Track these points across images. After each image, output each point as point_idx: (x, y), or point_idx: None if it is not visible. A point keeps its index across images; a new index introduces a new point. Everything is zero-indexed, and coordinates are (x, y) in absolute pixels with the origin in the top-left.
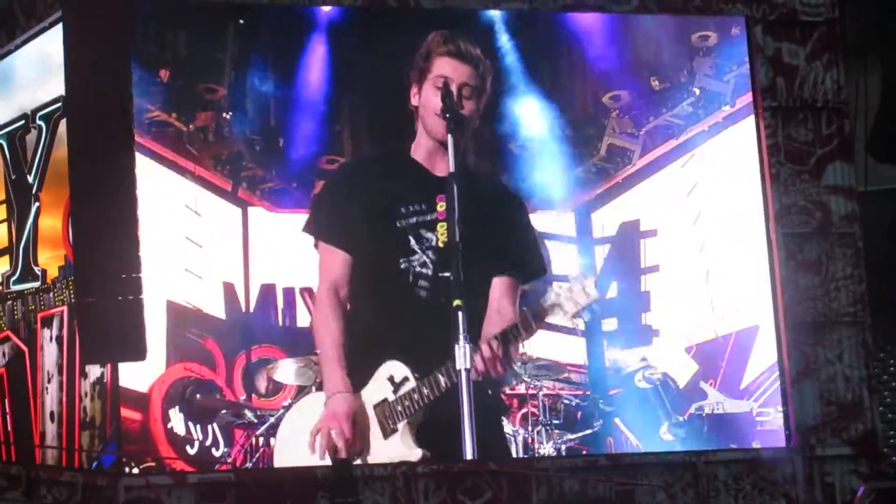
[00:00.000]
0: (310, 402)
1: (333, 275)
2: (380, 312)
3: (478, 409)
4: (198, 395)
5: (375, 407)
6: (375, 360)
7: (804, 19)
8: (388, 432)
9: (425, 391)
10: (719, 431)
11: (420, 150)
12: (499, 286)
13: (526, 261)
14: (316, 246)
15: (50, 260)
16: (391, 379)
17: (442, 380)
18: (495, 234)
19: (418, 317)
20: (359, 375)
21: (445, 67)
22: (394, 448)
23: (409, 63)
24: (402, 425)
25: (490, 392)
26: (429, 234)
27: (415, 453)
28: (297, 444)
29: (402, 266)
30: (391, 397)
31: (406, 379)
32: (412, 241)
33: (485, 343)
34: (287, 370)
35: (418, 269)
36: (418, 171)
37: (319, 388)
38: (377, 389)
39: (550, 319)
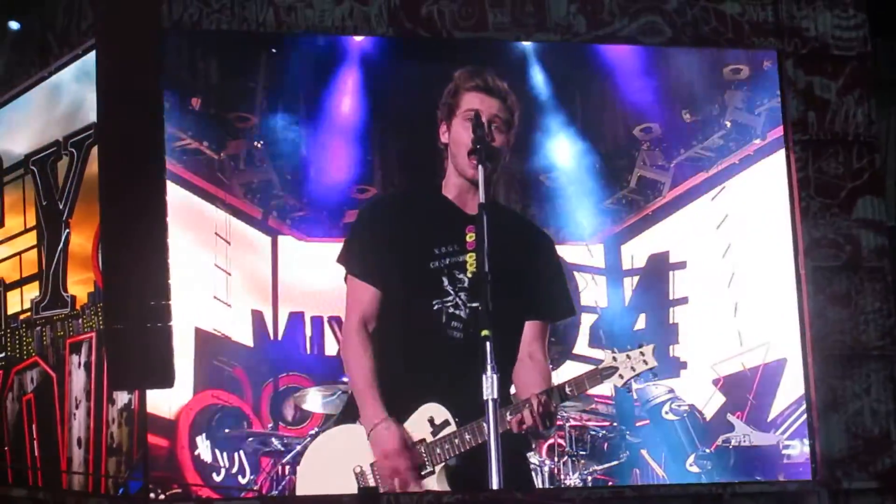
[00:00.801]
0: (338, 434)
1: (363, 310)
2: (413, 353)
3: (504, 442)
4: (226, 430)
5: (412, 445)
6: (411, 400)
7: (836, 53)
8: (423, 473)
9: (467, 437)
10: (746, 464)
11: (451, 187)
12: (530, 331)
13: (555, 301)
14: (346, 279)
15: (79, 286)
16: (431, 420)
17: (486, 427)
18: (525, 273)
19: (452, 358)
20: (394, 414)
21: (474, 101)
22: (428, 489)
23: (438, 101)
24: (439, 468)
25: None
26: (461, 276)
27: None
28: (322, 474)
29: (436, 307)
30: (430, 438)
31: (447, 422)
32: (445, 282)
33: (534, 398)
34: (314, 399)
35: (451, 310)
36: (449, 209)
37: (344, 419)
38: (415, 429)
39: (605, 383)
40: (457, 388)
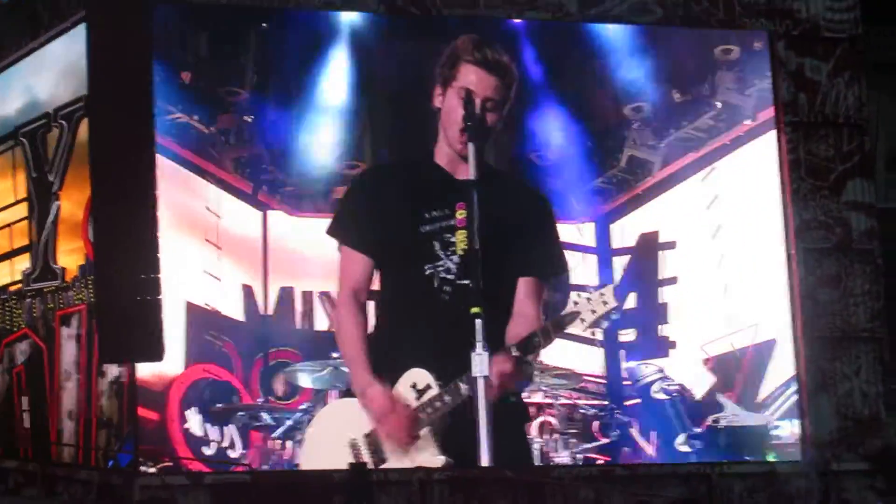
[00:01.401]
0: (341, 406)
1: (354, 278)
2: (405, 317)
3: (501, 416)
4: (221, 405)
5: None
6: (400, 364)
7: (827, 35)
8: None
9: (447, 399)
10: (735, 444)
11: (443, 154)
12: (522, 287)
13: (547, 258)
14: (339, 249)
15: (69, 256)
16: (414, 386)
17: (463, 387)
18: (518, 233)
19: (443, 321)
20: (385, 380)
21: (471, 78)
22: (417, 454)
23: (435, 62)
24: (424, 432)
25: (514, 399)
26: (453, 239)
27: (437, 460)
28: (325, 444)
29: (427, 272)
30: (413, 404)
31: (428, 386)
32: (436, 247)
33: (502, 353)
34: (304, 374)
35: (443, 274)
36: (441, 175)
37: (345, 393)
38: (401, 396)
39: (570, 329)
40: (443, 349)
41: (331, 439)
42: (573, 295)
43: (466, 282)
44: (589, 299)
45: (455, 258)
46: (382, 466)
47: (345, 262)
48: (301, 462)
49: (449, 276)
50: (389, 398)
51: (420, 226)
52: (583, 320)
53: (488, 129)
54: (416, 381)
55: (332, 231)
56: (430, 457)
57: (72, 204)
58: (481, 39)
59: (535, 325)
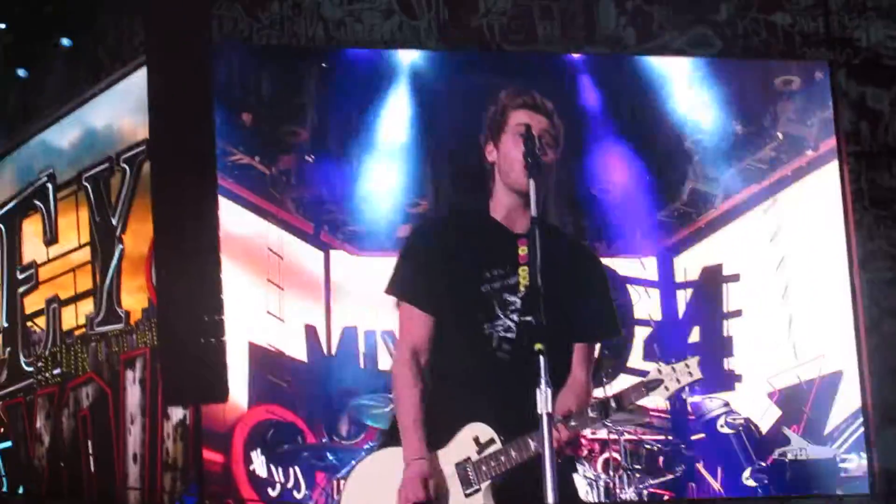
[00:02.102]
0: (383, 457)
1: (415, 337)
2: (463, 376)
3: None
4: (286, 446)
5: (457, 465)
6: (458, 421)
7: (888, 63)
8: (469, 491)
9: (513, 454)
10: (802, 478)
11: (499, 208)
12: (576, 353)
13: (601, 322)
14: (397, 306)
15: (132, 298)
16: (476, 439)
17: (532, 444)
18: (571, 294)
19: (501, 381)
20: (439, 434)
21: (523, 118)
22: None
23: (483, 121)
24: (485, 486)
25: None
26: (512, 298)
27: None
28: (367, 499)
29: (487, 331)
30: (475, 457)
31: (492, 441)
32: (495, 306)
33: (560, 425)
34: (368, 410)
35: (502, 333)
36: (499, 231)
37: (388, 441)
38: (460, 448)
39: (651, 396)
40: (502, 407)
41: (378, 492)
42: (657, 365)
43: (529, 318)
44: (674, 369)
45: (514, 317)
46: None
47: (405, 320)
48: None
49: (507, 335)
50: (426, 471)
51: (480, 284)
52: (666, 388)
53: (548, 166)
54: (478, 435)
55: (390, 289)
56: None
57: (135, 247)
58: (524, 87)
59: (579, 388)
